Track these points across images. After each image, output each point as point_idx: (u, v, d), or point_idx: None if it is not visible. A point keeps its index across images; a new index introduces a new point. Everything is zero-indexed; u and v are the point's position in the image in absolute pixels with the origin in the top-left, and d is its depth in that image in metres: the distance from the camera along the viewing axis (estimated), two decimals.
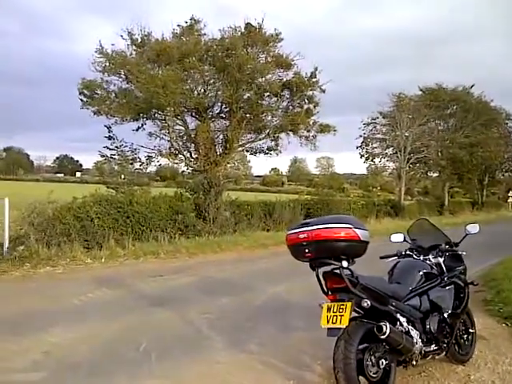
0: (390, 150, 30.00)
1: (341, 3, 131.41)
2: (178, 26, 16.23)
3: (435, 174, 34.01)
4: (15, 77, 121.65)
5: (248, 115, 16.90)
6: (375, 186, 44.98)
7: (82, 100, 15.89)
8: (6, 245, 9.62)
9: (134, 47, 15.91)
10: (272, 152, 18.20)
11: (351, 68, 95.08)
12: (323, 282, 3.51)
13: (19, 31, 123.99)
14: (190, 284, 8.19)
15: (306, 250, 3.32)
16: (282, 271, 8.91)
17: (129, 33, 15.73)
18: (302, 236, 3.31)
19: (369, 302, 3.34)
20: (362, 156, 30.53)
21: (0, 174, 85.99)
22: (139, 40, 15.86)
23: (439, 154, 30.30)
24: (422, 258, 4.37)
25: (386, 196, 31.61)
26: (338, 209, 18.92)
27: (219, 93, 16.59)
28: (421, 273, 4.10)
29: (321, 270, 3.49)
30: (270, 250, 12.63)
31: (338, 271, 3.37)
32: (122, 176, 13.44)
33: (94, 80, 15.75)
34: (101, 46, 15.40)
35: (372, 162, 31.69)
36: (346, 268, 3.34)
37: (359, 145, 30.17)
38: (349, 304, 3.31)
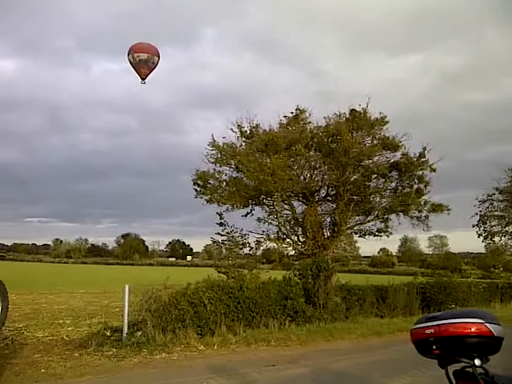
0: (510, 228, 27.85)
1: (441, 79, 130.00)
2: (285, 116, 17.08)
3: None
4: (134, 169, 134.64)
5: (355, 197, 16.81)
6: (497, 266, 41.45)
7: (196, 190, 16.92)
8: (125, 331, 10.10)
9: (243, 138, 16.88)
10: (382, 234, 17.72)
11: (458, 142, 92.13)
12: (453, 381, 3.21)
13: (138, 128, 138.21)
14: (303, 375, 7.91)
15: (434, 347, 3.08)
16: (402, 362, 8.25)
17: (238, 126, 16.76)
18: (428, 331, 3.10)
19: None
20: (479, 235, 28.59)
21: (117, 259, 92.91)
22: (248, 131, 16.84)
23: None
24: None
25: (511, 277, 28.90)
26: (458, 293, 17.54)
27: (325, 177, 16.87)
28: None
29: (450, 368, 3.21)
30: (385, 338, 11.92)
31: (469, 370, 3.08)
32: (230, 259, 13.77)
33: (206, 171, 16.78)
34: (213, 139, 16.57)
35: (491, 241, 29.50)
36: (479, 367, 3.05)
37: (475, 223, 28.39)
38: None
